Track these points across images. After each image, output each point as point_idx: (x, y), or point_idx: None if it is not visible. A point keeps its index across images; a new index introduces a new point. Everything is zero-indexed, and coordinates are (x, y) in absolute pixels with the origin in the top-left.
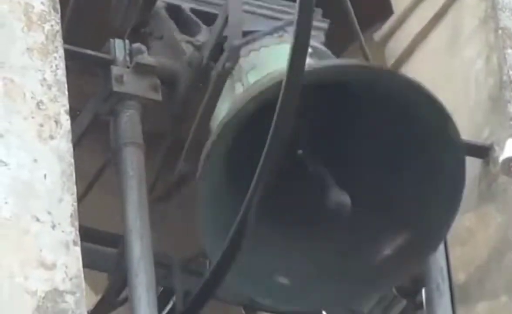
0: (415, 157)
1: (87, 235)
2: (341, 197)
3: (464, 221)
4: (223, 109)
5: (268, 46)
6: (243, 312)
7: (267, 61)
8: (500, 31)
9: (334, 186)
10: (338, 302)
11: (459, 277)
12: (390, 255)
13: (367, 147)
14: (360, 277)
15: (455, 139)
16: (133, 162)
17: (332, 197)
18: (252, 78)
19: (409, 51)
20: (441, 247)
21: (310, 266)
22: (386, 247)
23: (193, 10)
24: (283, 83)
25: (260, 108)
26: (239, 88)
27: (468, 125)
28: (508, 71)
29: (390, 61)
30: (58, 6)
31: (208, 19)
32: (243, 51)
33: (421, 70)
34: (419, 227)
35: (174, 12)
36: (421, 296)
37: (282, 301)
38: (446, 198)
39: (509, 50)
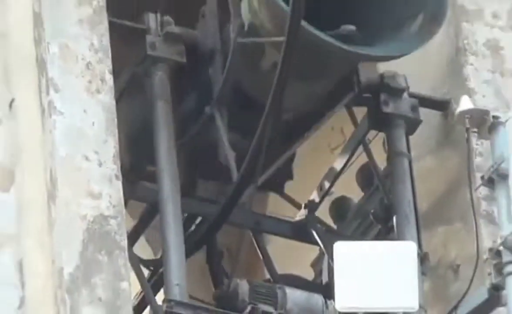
0: None
1: (130, 171)
2: (347, 28)
3: (426, 162)
4: None
5: None
6: (251, 234)
7: None
8: (456, 8)
9: (340, 28)
10: (397, 50)
11: (423, 207)
12: (417, 30)
13: None
14: (406, 40)
15: None
16: (162, 115)
17: (342, 31)
18: None
19: None
20: (409, 183)
21: (371, 29)
22: (412, 26)
23: None
24: None
25: None
26: None
27: (430, 84)
28: (463, 40)
29: None
30: None
31: None
32: None
33: None
34: (427, 11)
35: None
36: (393, 222)
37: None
38: None
39: (464, 23)
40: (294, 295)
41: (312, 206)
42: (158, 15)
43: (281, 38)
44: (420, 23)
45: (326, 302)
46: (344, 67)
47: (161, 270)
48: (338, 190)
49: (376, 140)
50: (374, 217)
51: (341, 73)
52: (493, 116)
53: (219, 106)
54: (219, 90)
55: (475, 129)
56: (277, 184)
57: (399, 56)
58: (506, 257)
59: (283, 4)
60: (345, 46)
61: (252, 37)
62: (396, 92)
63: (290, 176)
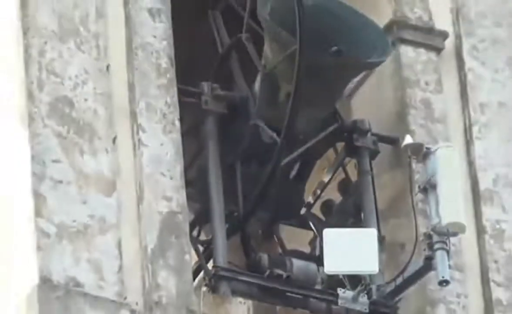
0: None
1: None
2: (334, 49)
3: (383, 178)
4: None
5: None
6: (260, 234)
7: None
8: (403, 79)
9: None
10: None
11: (381, 206)
12: (375, 60)
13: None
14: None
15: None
16: (212, 149)
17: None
18: None
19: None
20: (371, 191)
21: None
22: (372, 58)
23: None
24: None
25: None
26: None
27: (386, 127)
28: (406, 99)
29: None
30: (174, 63)
31: None
32: None
33: (365, 95)
34: (378, 52)
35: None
36: (361, 216)
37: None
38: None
39: (407, 89)
40: (297, 263)
41: (309, 206)
42: (209, 83)
43: (295, 47)
44: (375, 57)
45: (318, 268)
46: (345, 81)
47: (210, 247)
48: (326, 195)
49: (350, 164)
50: (349, 213)
51: (341, 91)
52: (426, 148)
53: (258, 119)
54: (257, 107)
55: (414, 157)
56: (295, 213)
57: (381, 63)
58: (434, 238)
59: (289, 36)
60: (363, 58)
61: (270, 79)
62: (363, 132)
63: (303, 204)
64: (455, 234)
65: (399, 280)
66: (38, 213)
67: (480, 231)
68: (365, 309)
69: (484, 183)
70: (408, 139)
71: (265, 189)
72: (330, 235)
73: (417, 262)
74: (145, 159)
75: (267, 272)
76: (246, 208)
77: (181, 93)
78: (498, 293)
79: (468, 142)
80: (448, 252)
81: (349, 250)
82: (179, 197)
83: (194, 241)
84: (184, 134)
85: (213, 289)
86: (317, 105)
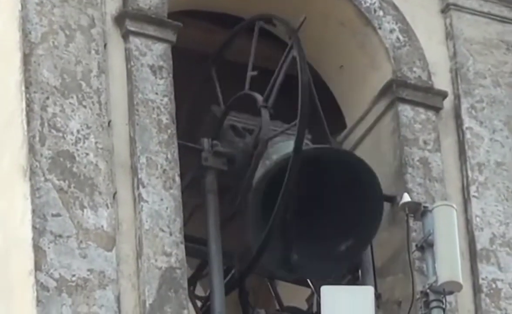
0: (355, 203)
1: (189, 239)
2: (293, 257)
3: (381, 235)
4: (259, 172)
5: (282, 141)
6: (267, 280)
7: (281, 148)
8: (401, 137)
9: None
10: (323, 274)
11: (378, 264)
12: (344, 250)
13: (329, 200)
14: (332, 262)
15: (379, 192)
16: (211, 203)
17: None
18: (274, 156)
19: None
20: (369, 249)
21: (305, 258)
22: (343, 246)
23: (243, 128)
24: (291, 157)
25: (279, 171)
26: (267, 162)
27: (384, 186)
28: (404, 158)
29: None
30: (174, 119)
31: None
32: (269, 143)
33: (364, 153)
34: (357, 238)
35: (232, 127)
36: (359, 274)
37: (290, 272)
38: (371, 224)
39: (405, 147)
40: None
41: None
42: (210, 140)
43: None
44: (349, 245)
45: None
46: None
47: (208, 303)
48: None
49: None
50: (347, 270)
51: None
52: (423, 207)
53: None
54: (253, 163)
55: (412, 215)
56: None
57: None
58: (431, 296)
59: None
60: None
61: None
62: None
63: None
64: (451, 293)
65: None
66: (38, 267)
67: (477, 289)
68: None
69: (481, 242)
70: (406, 198)
71: (264, 243)
72: (328, 291)
73: None
74: (145, 214)
75: None
76: (245, 263)
77: (181, 149)
78: None
79: (466, 201)
80: (444, 310)
81: (346, 307)
82: (178, 253)
83: (193, 296)
84: (184, 188)
85: None
86: None
